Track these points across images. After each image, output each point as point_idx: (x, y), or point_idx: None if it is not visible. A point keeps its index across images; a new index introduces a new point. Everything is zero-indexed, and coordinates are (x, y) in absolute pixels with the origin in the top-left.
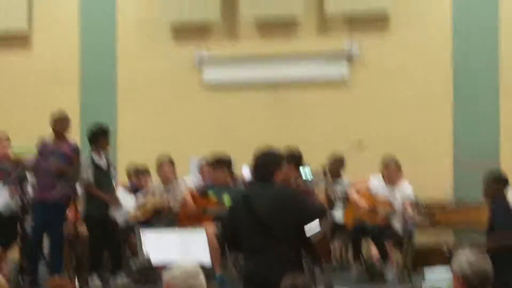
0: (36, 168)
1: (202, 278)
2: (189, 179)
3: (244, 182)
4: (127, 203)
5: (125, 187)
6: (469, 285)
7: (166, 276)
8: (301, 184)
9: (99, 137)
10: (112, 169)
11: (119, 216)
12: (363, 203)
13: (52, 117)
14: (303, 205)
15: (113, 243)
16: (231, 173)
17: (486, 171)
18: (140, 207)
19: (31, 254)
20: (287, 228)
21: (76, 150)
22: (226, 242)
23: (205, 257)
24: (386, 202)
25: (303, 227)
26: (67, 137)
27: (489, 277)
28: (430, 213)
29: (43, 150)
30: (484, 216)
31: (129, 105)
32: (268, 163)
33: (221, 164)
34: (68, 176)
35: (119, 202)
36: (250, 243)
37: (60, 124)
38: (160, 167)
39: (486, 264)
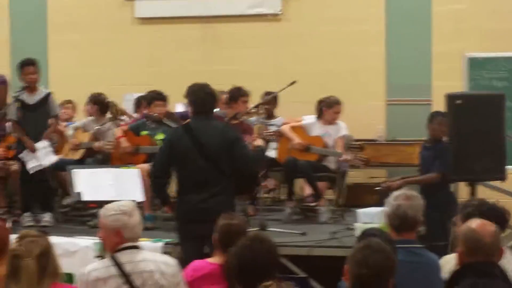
0: None
1: (136, 215)
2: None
3: (177, 118)
4: (46, 157)
5: None
6: (390, 224)
7: (101, 214)
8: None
9: (20, 69)
10: (47, 108)
11: (30, 164)
12: (296, 138)
13: None
14: (241, 150)
15: (40, 182)
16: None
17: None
18: (72, 145)
19: None
20: (228, 163)
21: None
22: (159, 173)
23: (138, 195)
24: (319, 139)
25: (238, 166)
26: None
27: (409, 218)
28: (362, 151)
29: None
30: (415, 154)
31: (59, 41)
32: (209, 98)
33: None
34: None
35: (34, 149)
36: (194, 176)
37: None
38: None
39: (408, 206)
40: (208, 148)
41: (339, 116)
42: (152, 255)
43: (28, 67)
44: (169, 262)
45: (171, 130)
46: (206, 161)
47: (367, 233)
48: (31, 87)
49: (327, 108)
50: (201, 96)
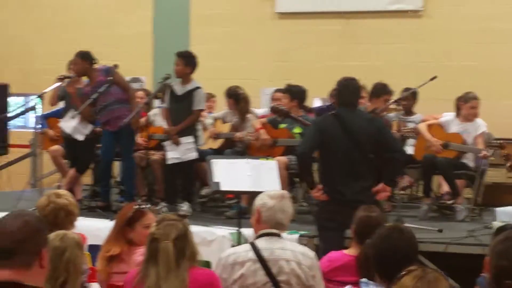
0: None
1: (286, 204)
2: (261, 111)
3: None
4: (188, 153)
5: None
6: None
7: (258, 202)
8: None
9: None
10: (192, 101)
11: (170, 154)
12: (431, 138)
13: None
14: (391, 135)
15: (184, 172)
16: (302, 104)
17: None
18: (211, 134)
19: (103, 178)
20: (375, 152)
21: (108, 71)
22: (307, 154)
23: (275, 187)
24: (458, 136)
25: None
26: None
27: None
28: (502, 149)
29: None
30: None
31: (201, 35)
32: (356, 91)
33: (294, 94)
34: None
35: (178, 143)
36: (341, 163)
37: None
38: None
39: None
40: (357, 136)
41: (477, 112)
42: (291, 245)
43: (176, 59)
44: (308, 254)
45: (319, 117)
46: (354, 148)
47: (502, 229)
48: (182, 79)
49: (464, 103)
50: (349, 89)
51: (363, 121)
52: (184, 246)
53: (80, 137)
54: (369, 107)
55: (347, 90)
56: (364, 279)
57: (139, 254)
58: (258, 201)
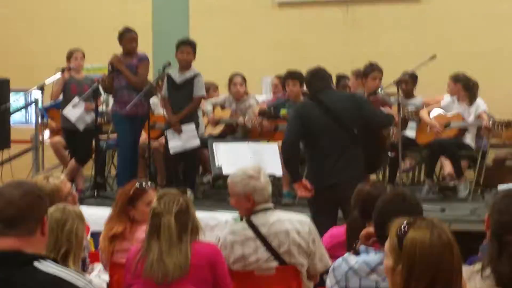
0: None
1: (263, 177)
2: (262, 98)
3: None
4: (190, 140)
5: None
6: None
7: (229, 181)
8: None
9: (177, 47)
10: (192, 88)
11: (172, 143)
12: (435, 123)
13: (120, 34)
14: (372, 107)
15: (186, 159)
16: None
17: None
18: (210, 120)
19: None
20: (359, 128)
21: (141, 59)
22: (291, 148)
23: (278, 170)
24: (459, 116)
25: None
26: (136, 52)
27: None
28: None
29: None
30: None
31: (200, 25)
32: (324, 76)
33: (295, 77)
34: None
35: (180, 130)
36: (327, 144)
37: (128, 40)
38: (231, 82)
39: None
40: (340, 115)
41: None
42: (286, 215)
43: (183, 47)
44: (303, 220)
45: (297, 105)
46: (339, 128)
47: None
48: (181, 66)
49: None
50: (319, 75)
51: (343, 98)
52: (186, 220)
53: (81, 127)
54: (366, 89)
55: (316, 77)
56: (362, 246)
57: (142, 231)
58: (245, 186)
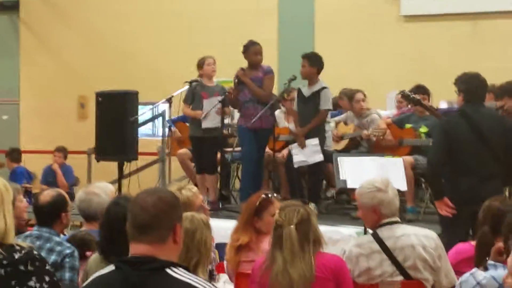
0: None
1: (391, 192)
2: (386, 113)
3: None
4: (313, 155)
5: None
6: None
7: (357, 193)
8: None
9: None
10: (318, 101)
11: (296, 158)
12: None
13: (245, 47)
14: None
15: (310, 173)
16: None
17: None
18: (334, 137)
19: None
20: (503, 151)
21: (266, 72)
22: (437, 162)
23: (402, 185)
24: None
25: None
26: (261, 65)
27: None
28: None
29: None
30: None
31: (326, 40)
32: (482, 86)
33: (423, 92)
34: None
35: (303, 145)
36: (471, 161)
37: (253, 53)
38: (353, 99)
39: None
40: (488, 134)
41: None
42: (412, 229)
43: (302, 60)
44: (430, 235)
45: (443, 119)
46: (484, 147)
47: None
48: (303, 78)
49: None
50: (474, 84)
51: (493, 120)
52: (307, 230)
53: (207, 124)
54: (498, 104)
55: (471, 86)
56: (491, 262)
57: (267, 242)
58: (373, 198)
